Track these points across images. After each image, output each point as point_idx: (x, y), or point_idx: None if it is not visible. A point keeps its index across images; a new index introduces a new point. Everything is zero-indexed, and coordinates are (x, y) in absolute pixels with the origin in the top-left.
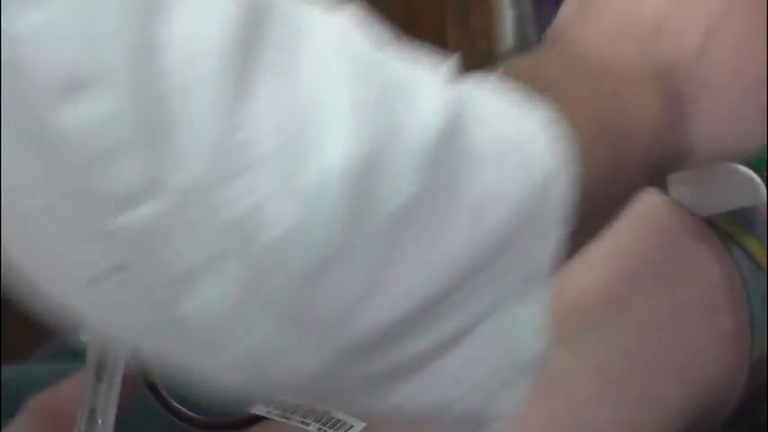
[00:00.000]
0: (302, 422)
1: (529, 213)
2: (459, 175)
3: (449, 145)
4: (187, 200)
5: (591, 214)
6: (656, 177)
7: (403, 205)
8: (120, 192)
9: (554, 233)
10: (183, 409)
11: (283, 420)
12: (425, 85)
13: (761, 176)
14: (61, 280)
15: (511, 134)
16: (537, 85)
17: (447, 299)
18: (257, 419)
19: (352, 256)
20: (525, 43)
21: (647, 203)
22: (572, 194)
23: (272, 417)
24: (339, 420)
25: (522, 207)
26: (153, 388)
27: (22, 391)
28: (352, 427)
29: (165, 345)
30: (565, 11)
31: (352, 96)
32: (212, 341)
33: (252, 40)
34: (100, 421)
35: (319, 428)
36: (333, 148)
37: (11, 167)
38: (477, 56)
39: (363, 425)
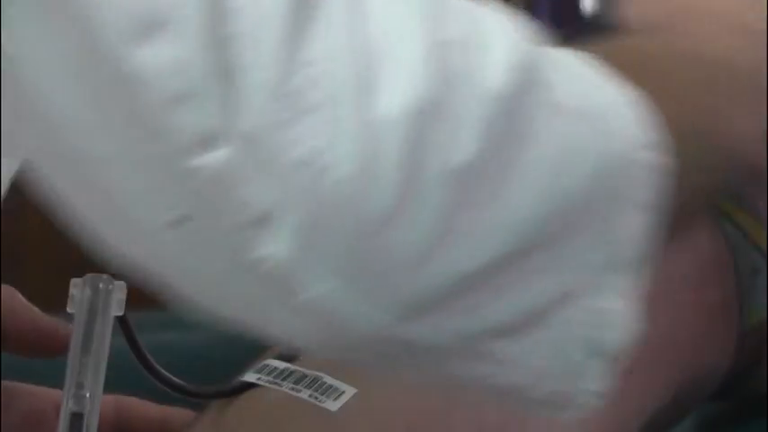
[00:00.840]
0: (293, 388)
1: (608, 185)
2: (537, 127)
3: (524, 97)
4: (251, 144)
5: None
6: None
7: (467, 156)
8: (195, 134)
9: (640, 216)
10: (175, 379)
11: (275, 387)
12: (500, 36)
13: None
14: (129, 229)
15: (594, 98)
16: (640, 69)
17: (512, 266)
18: (249, 387)
19: (414, 208)
20: None
21: None
22: (663, 178)
23: (263, 384)
24: (330, 386)
25: (602, 175)
26: (143, 358)
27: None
28: (343, 392)
29: (236, 292)
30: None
31: (419, 40)
32: (283, 287)
33: None
34: (87, 395)
35: (310, 395)
36: (394, 92)
37: (77, 118)
38: None
39: (354, 390)
